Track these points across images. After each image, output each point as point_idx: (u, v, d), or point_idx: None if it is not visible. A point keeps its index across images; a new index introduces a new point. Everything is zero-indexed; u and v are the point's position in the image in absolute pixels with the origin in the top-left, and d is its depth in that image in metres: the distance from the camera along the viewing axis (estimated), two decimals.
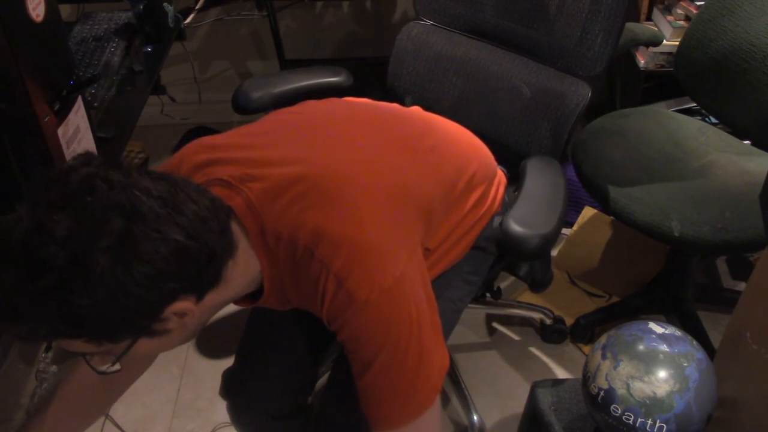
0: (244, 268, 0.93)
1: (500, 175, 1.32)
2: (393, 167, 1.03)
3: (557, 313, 1.95)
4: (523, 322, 2.01)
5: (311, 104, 1.18)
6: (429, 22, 1.64)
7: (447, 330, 1.29)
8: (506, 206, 1.34)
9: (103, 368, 0.89)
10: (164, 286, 0.80)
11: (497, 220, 1.28)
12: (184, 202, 0.81)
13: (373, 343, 0.92)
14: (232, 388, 1.29)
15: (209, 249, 0.83)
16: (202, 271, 0.83)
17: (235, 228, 0.91)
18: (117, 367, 0.88)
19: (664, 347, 1.15)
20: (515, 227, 1.19)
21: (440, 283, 1.21)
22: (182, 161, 1.02)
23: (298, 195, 0.93)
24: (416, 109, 1.29)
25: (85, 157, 0.81)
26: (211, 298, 0.88)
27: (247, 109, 1.52)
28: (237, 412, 1.31)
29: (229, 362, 1.32)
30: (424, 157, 1.10)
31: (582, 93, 1.42)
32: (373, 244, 0.91)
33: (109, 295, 0.76)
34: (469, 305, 1.75)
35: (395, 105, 1.26)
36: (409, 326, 0.92)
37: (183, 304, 0.83)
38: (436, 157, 1.13)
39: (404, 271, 0.92)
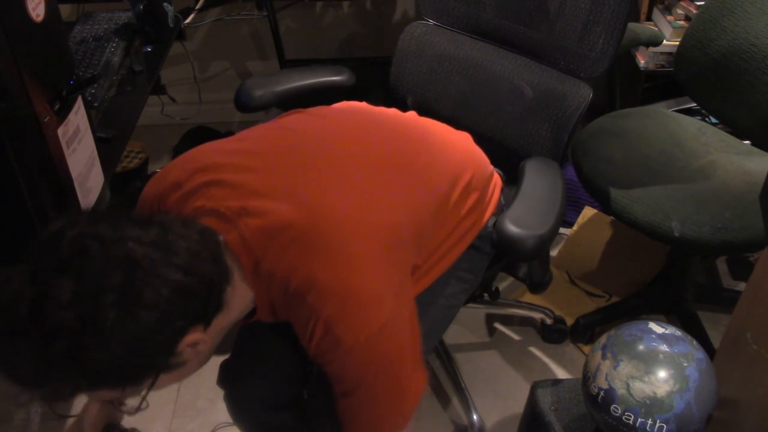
0: (241, 291, 0.96)
1: (496, 178, 1.32)
2: (385, 199, 1.04)
3: (557, 313, 1.95)
4: (523, 322, 2.01)
5: (304, 120, 1.17)
6: (432, 22, 1.64)
7: (443, 326, 1.31)
8: (502, 207, 1.34)
9: (132, 409, 0.93)
10: (173, 325, 0.83)
11: (492, 221, 1.29)
12: (174, 241, 0.85)
13: (354, 379, 0.97)
14: (228, 377, 1.31)
15: (207, 279, 0.87)
16: (205, 302, 0.87)
17: (227, 256, 0.93)
18: (145, 404, 0.92)
19: (664, 347, 1.15)
20: (511, 227, 1.19)
21: (435, 282, 1.22)
22: (178, 183, 1.03)
23: (292, 240, 0.95)
24: (412, 116, 1.29)
25: (70, 218, 0.84)
26: (218, 323, 0.92)
27: (249, 107, 1.52)
28: (234, 401, 1.32)
29: None
30: (418, 175, 1.11)
31: (583, 94, 1.42)
32: (362, 293, 0.95)
33: (124, 346, 0.79)
34: (470, 305, 1.76)
35: (391, 113, 1.25)
36: (390, 365, 0.97)
37: (194, 336, 0.87)
38: (431, 173, 1.14)
39: (390, 315, 0.96)
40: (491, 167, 1.31)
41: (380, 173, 1.07)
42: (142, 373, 0.85)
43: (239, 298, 0.96)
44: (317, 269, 0.94)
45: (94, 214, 0.85)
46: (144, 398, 0.91)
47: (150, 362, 0.84)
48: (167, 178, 1.06)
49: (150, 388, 0.89)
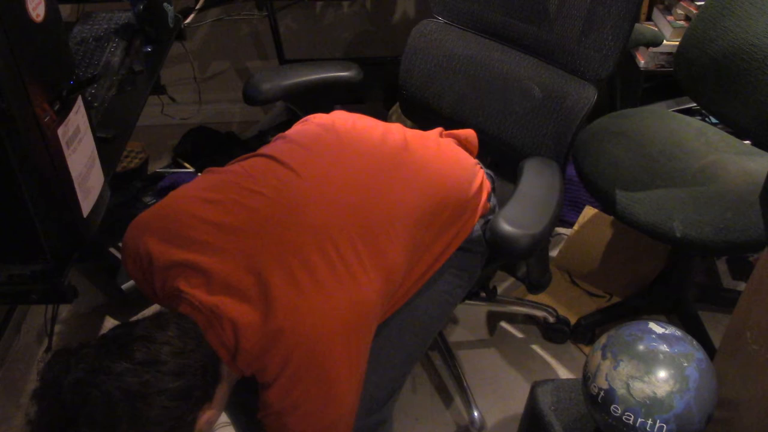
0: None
1: (485, 185, 1.32)
2: (353, 274, 1.06)
3: (559, 313, 1.94)
4: (524, 321, 2.01)
5: (279, 175, 1.15)
6: (442, 20, 1.64)
7: (439, 322, 1.32)
8: (494, 208, 1.34)
9: None
10: (185, 420, 0.94)
11: (480, 223, 1.29)
12: (158, 352, 0.92)
13: None
14: None
15: (200, 367, 0.95)
16: (204, 386, 0.96)
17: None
18: None
19: (664, 347, 1.15)
20: (505, 226, 1.19)
21: (430, 279, 1.24)
22: (152, 256, 1.08)
23: (266, 347, 1.01)
24: (396, 140, 1.26)
25: (62, 362, 0.91)
26: (220, 391, 1.02)
27: (256, 101, 1.55)
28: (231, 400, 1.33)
29: None
30: (388, 228, 1.12)
31: (588, 95, 1.41)
32: (325, 397, 1.03)
33: None
34: (469, 303, 1.76)
35: (367, 145, 1.23)
36: None
37: (205, 416, 0.97)
38: (401, 217, 1.14)
39: (344, 412, 1.05)
40: (478, 179, 1.30)
41: (349, 237, 1.08)
42: None
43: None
44: (286, 370, 1.00)
45: (81, 350, 0.93)
46: None
47: None
48: (146, 240, 1.09)
49: None
